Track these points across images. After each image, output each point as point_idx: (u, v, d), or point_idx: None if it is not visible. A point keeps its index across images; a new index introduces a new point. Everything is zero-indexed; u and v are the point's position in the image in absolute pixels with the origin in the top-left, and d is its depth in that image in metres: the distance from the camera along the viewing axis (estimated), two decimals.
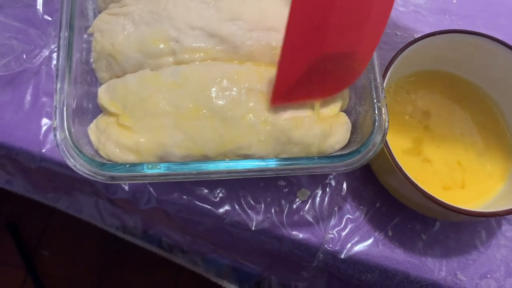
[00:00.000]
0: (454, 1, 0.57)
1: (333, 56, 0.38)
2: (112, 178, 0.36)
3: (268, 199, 0.48)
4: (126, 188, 0.48)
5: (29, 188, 0.61)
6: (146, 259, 1.11)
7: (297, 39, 0.36)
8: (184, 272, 1.11)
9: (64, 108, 0.37)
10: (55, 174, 0.51)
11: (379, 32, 0.38)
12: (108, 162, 0.37)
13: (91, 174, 0.36)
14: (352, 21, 0.37)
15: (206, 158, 0.38)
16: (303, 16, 0.35)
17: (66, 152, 0.36)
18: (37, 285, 1.11)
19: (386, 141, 0.40)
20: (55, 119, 0.37)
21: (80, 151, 0.36)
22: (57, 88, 0.37)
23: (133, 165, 0.37)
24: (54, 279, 1.13)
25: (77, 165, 0.36)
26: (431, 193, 0.39)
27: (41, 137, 0.47)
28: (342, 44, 0.38)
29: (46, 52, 0.49)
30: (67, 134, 0.36)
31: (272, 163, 0.38)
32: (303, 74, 0.38)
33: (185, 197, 0.47)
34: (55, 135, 0.36)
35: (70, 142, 0.36)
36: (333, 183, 0.48)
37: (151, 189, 0.47)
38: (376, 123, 0.39)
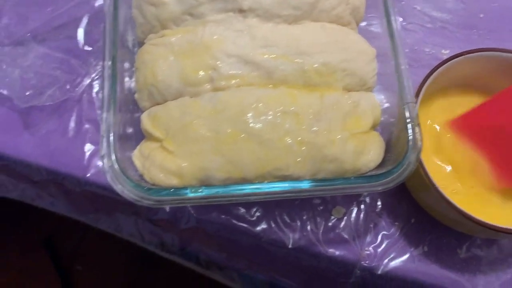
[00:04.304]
0: (481, 16, 0.58)
1: None
2: (158, 202, 0.38)
3: (304, 217, 0.49)
4: (167, 209, 0.50)
5: (71, 209, 0.63)
6: (178, 273, 1.13)
7: None
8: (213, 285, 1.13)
9: (111, 137, 0.39)
10: (98, 196, 0.53)
11: None
12: (153, 187, 0.39)
13: (138, 199, 0.38)
14: None
15: (245, 180, 0.40)
16: None
17: (114, 179, 0.38)
18: None
19: (420, 160, 0.41)
20: (102, 147, 0.39)
21: (128, 177, 0.38)
22: (103, 118, 0.40)
23: (177, 189, 0.39)
24: None
25: (125, 191, 0.38)
26: (468, 212, 0.39)
27: (85, 162, 0.50)
28: None
29: (87, 81, 0.52)
30: (114, 162, 0.38)
31: (310, 185, 0.39)
32: None
33: (223, 216, 0.49)
34: (103, 163, 0.38)
35: (118, 169, 0.38)
36: (367, 200, 0.49)
37: (190, 209, 0.49)
38: (410, 142, 0.40)
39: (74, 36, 0.52)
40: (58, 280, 1.15)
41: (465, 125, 0.47)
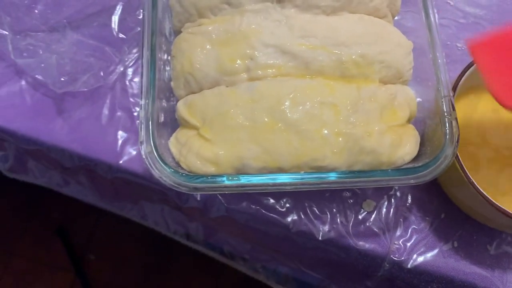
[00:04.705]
0: None
1: None
2: (195, 189, 0.38)
3: (334, 210, 0.49)
4: (198, 197, 0.51)
5: (97, 197, 0.64)
6: (193, 263, 1.14)
7: None
8: (226, 274, 1.13)
9: (150, 123, 0.39)
10: (126, 184, 0.54)
11: None
12: (191, 174, 0.40)
13: (175, 185, 0.38)
14: None
15: (281, 170, 0.40)
16: None
17: (152, 165, 0.38)
18: None
19: (457, 154, 0.41)
20: (141, 133, 0.39)
21: (166, 164, 0.38)
22: (142, 105, 0.40)
23: (214, 176, 0.39)
24: (100, 283, 1.17)
25: (163, 177, 0.38)
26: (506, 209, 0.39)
27: (118, 149, 0.50)
28: None
29: (120, 69, 0.52)
30: (153, 148, 0.39)
31: (347, 176, 0.39)
32: None
33: (253, 206, 0.49)
34: (141, 149, 0.39)
35: (156, 155, 0.39)
36: (398, 194, 0.49)
37: (221, 198, 0.49)
38: (447, 136, 0.40)
39: (108, 24, 0.53)
40: (71, 269, 1.16)
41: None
